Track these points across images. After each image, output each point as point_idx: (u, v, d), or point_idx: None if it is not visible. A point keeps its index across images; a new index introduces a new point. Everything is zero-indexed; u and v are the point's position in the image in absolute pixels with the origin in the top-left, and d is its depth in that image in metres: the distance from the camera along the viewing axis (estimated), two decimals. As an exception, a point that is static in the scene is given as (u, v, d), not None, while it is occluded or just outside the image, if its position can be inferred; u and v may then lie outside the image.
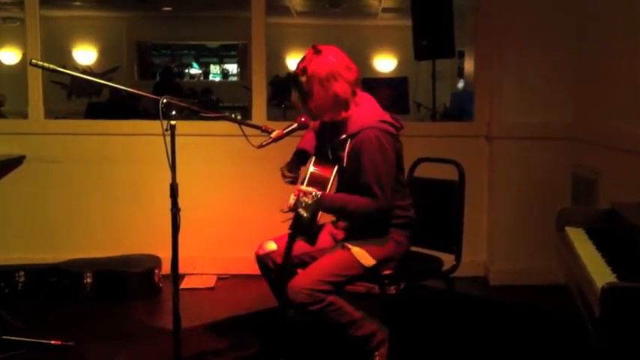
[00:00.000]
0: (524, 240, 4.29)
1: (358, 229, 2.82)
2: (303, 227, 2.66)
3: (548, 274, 3.82)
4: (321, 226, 2.90)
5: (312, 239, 2.83)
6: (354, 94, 2.76)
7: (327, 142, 2.89)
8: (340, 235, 2.89)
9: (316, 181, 2.78)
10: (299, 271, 2.83)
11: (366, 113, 2.75)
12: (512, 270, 4.31)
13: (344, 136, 2.75)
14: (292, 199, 2.65)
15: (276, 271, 2.87)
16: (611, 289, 1.64)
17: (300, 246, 2.87)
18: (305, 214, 2.52)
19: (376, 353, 2.77)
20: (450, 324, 3.30)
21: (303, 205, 2.52)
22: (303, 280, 2.65)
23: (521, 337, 3.41)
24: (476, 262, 4.44)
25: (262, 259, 2.91)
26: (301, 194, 2.56)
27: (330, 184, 2.78)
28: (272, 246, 2.89)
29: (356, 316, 2.72)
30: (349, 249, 2.74)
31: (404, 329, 3.13)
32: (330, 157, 2.86)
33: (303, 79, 2.71)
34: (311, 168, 2.84)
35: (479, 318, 3.73)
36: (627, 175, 3.37)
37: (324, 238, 2.91)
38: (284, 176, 2.95)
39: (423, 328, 3.42)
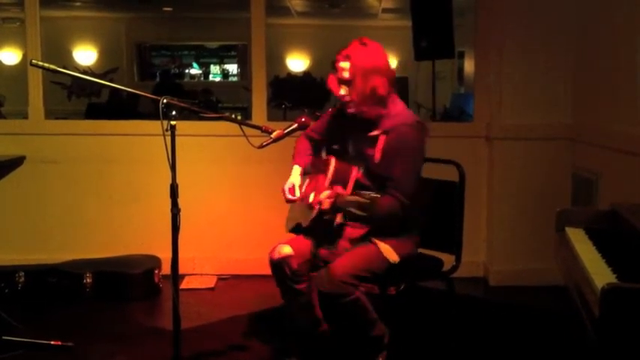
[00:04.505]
0: (524, 241, 4.29)
1: (379, 227, 2.77)
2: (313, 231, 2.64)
3: (547, 275, 3.82)
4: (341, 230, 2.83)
5: (333, 242, 2.78)
6: (389, 93, 2.74)
7: (349, 138, 2.83)
8: (355, 234, 2.79)
9: (339, 179, 2.74)
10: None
11: (401, 111, 2.74)
12: (511, 271, 4.31)
13: (376, 132, 2.71)
14: (326, 198, 2.61)
15: (291, 277, 2.81)
16: (611, 289, 1.64)
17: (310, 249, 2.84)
18: (361, 213, 2.48)
19: (379, 355, 2.77)
20: (449, 325, 3.30)
21: (357, 205, 2.48)
22: (334, 273, 2.59)
23: (520, 338, 3.41)
24: (476, 263, 4.44)
25: (278, 264, 2.82)
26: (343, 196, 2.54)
27: (352, 182, 2.71)
28: (287, 250, 2.81)
29: (374, 316, 2.72)
30: (376, 244, 2.72)
31: (404, 330, 3.13)
32: (353, 154, 2.81)
33: (345, 65, 2.69)
34: (332, 166, 2.79)
35: (479, 319, 3.73)
36: (627, 176, 3.37)
37: (342, 243, 2.83)
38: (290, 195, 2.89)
39: (422, 328, 3.43)
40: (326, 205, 2.60)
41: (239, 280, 4.36)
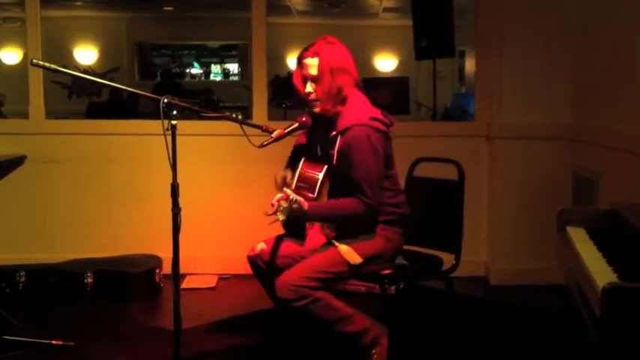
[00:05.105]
0: (524, 240, 4.29)
1: (348, 227, 2.79)
2: (287, 228, 2.75)
3: (548, 274, 3.82)
4: (310, 227, 2.88)
5: (301, 239, 2.84)
6: (352, 92, 2.77)
7: (317, 139, 2.88)
8: (332, 234, 2.84)
9: (305, 182, 2.77)
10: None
11: (356, 110, 2.74)
12: (512, 270, 4.31)
13: (334, 133, 2.74)
14: (275, 202, 2.67)
15: (266, 270, 2.87)
16: (613, 289, 1.64)
17: (291, 247, 2.87)
18: (281, 218, 2.61)
19: (373, 351, 2.74)
20: (449, 324, 3.30)
21: (281, 208, 2.60)
22: (288, 277, 2.65)
23: (521, 337, 3.41)
24: (476, 262, 4.44)
25: (253, 260, 2.91)
26: (282, 199, 2.61)
27: (318, 184, 2.74)
28: (261, 246, 2.90)
29: (346, 312, 2.70)
30: (336, 247, 2.73)
31: (404, 329, 3.13)
32: (320, 154, 2.84)
33: (314, 62, 2.71)
34: (299, 168, 2.82)
35: (479, 318, 3.73)
36: (628, 175, 3.37)
37: (315, 238, 2.87)
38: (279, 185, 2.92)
39: (423, 328, 3.43)
40: (275, 207, 2.65)
41: (240, 280, 4.36)
